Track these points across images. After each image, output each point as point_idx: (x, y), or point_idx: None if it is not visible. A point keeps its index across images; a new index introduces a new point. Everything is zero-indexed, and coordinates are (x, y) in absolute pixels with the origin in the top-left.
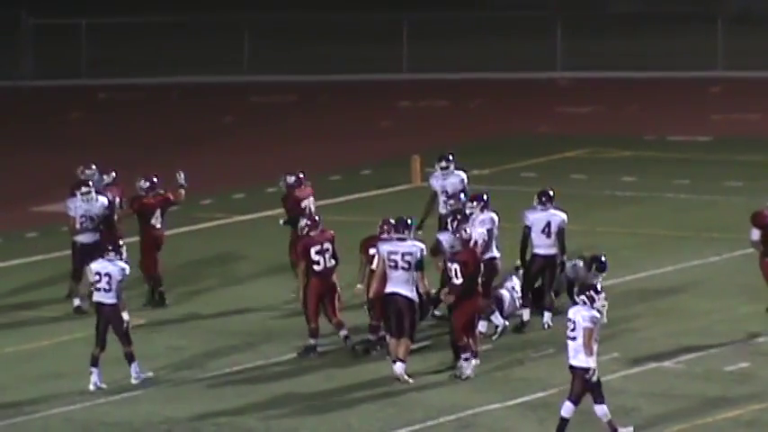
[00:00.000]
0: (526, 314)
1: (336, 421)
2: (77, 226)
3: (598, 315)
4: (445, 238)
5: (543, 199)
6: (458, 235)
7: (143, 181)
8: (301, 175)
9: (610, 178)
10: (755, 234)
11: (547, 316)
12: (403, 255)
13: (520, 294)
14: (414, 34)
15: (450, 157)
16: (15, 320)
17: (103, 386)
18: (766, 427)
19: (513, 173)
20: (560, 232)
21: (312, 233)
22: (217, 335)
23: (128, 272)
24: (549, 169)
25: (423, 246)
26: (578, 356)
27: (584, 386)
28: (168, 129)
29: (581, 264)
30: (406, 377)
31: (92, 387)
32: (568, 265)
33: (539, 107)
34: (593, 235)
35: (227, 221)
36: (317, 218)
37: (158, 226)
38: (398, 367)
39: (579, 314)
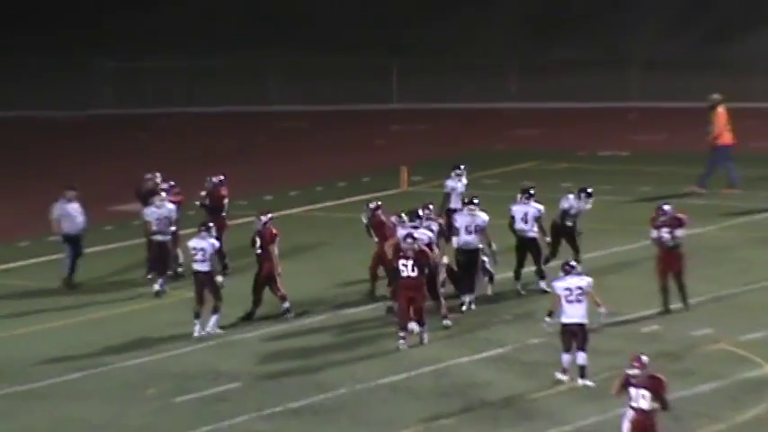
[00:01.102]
0: (489, 289)
1: (344, 370)
2: (153, 227)
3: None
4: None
5: (527, 194)
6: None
7: (214, 178)
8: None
9: (551, 184)
10: (653, 233)
11: (542, 283)
12: (417, 238)
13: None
14: (401, 74)
15: (462, 167)
16: (98, 293)
17: (203, 333)
18: (678, 376)
19: (477, 180)
20: (537, 219)
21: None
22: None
23: (216, 246)
24: (505, 177)
25: (429, 233)
26: (584, 316)
27: (586, 336)
28: (213, 146)
29: (572, 196)
30: (416, 329)
31: (195, 334)
32: (563, 199)
33: (497, 130)
34: None
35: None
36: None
37: (224, 214)
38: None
39: (584, 281)
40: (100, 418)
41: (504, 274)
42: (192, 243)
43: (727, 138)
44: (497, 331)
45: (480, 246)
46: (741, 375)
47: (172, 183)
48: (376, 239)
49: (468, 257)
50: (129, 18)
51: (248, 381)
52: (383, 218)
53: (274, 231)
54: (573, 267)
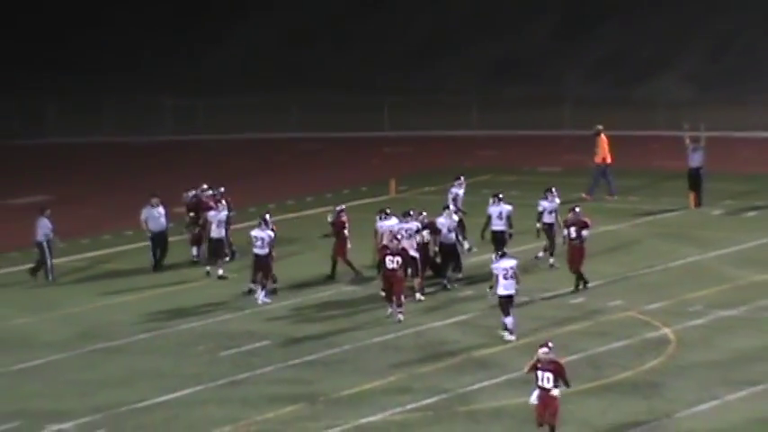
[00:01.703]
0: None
1: (347, 332)
2: (214, 227)
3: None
4: (440, 222)
5: (497, 198)
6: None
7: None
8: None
9: (503, 192)
10: (564, 231)
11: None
12: (407, 229)
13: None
14: (391, 109)
15: (462, 177)
16: (165, 274)
17: (267, 300)
18: (597, 336)
19: (447, 190)
20: (509, 216)
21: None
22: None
23: (274, 236)
24: (470, 186)
25: (419, 224)
26: (512, 288)
27: (512, 304)
28: (248, 163)
29: (544, 201)
30: (422, 298)
31: (260, 301)
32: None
33: (464, 151)
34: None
35: (284, 217)
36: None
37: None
38: (417, 296)
39: (513, 263)
40: (163, 368)
41: (469, 261)
42: (254, 233)
43: (607, 158)
44: (462, 303)
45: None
46: (644, 336)
47: (222, 189)
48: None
49: (448, 249)
50: (180, 65)
51: (275, 340)
52: (344, 219)
53: (344, 220)
54: (505, 253)
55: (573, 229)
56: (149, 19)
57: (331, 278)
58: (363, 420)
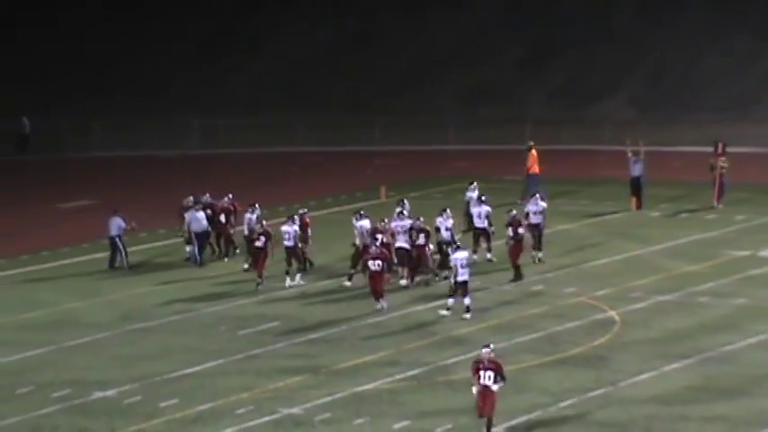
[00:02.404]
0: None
1: (343, 314)
2: (249, 229)
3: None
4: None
5: (482, 200)
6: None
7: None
8: (231, 195)
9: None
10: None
11: (489, 255)
12: (403, 227)
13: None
14: (382, 127)
15: (474, 182)
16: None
17: (292, 284)
18: (554, 318)
19: (429, 194)
20: (488, 215)
21: None
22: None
23: (297, 230)
24: (447, 192)
25: (411, 221)
26: (467, 275)
27: (468, 288)
28: (262, 174)
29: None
30: (382, 305)
31: (287, 284)
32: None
33: (443, 163)
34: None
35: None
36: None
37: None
38: (404, 282)
39: (465, 253)
40: (190, 344)
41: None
42: (283, 228)
43: (535, 169)
44: (441, 290)
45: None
46: (594, 317)
47: (230, 195)
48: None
49: (443, 247)
50: (205, 91)
51: (284, 321)
52: (308, 220)
53: (307, 221)
54: (459, 246)
55: (511, 229)
56: (179, 53)
57: (307, 268)
58: (359, 389)
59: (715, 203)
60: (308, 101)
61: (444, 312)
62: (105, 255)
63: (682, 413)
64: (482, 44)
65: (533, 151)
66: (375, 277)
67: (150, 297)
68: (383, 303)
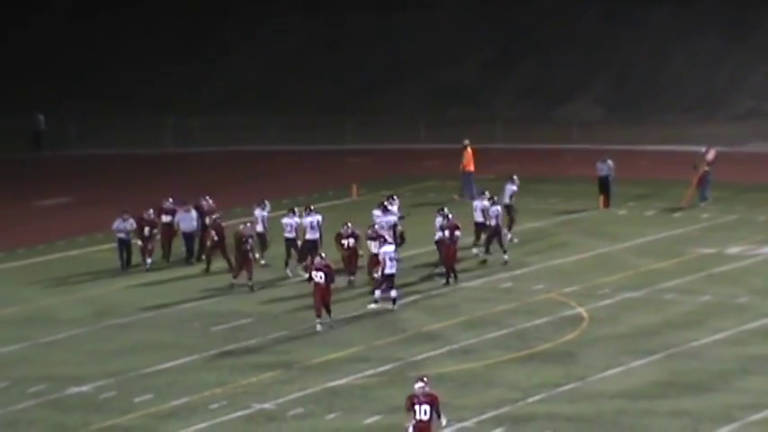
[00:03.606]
0: None
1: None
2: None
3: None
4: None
5: (486, 197)
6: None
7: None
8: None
9: (445, 194)
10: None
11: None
12: (387, 221)
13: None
14: (354, 126)
15: (487, 192)
16: (173, 267)
17: (300, 273)
18: (523, 314)
19: (402, 192)
20: (483, 210)
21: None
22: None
23: (299, 222)
24: (419, 191)
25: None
26: (394, 269)
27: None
28: (233, 172)
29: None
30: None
31: (289, 273)
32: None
33: (414, 161)
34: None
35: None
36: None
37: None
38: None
39: (392, 247)
40: (164, 340)
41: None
42: (284, 220)
43: (472, 167)
44: (412, 286)
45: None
46: (562, 314)
47: (208, 197)
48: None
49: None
50: (180, 90)
51: (257, 317)
52: (222, 224)
53: (222, 225)
54: (386, 240)
55: (447, 232)
56: (154, 54)
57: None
58: (331, 384)
59: (684, 204)
60: (280, 101)
61: (373, 306)
62: (81, 251)
63: (649, 408)
64: (450, 47)
65: (468, 149)
66: (317, 290)
67: (125, 294)
68: (319, 327)
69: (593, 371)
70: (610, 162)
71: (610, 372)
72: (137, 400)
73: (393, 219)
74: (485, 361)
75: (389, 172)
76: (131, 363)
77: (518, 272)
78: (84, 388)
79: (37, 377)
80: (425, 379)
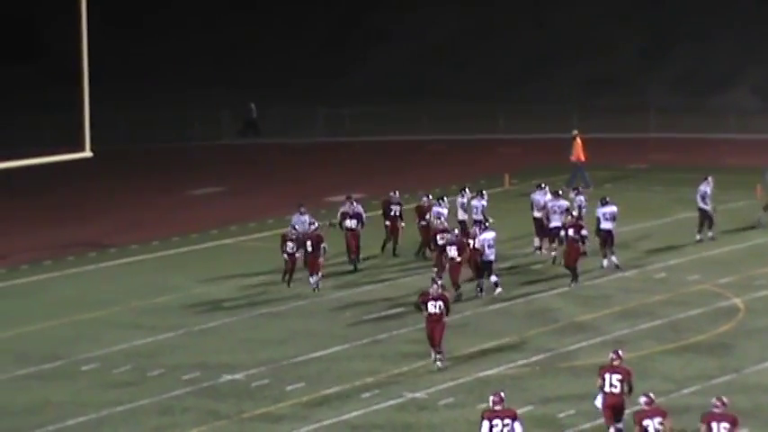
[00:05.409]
0: None
1: (467, 301)
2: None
3: None
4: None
5: (604, 199)
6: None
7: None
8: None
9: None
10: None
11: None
12: (559, 207)
13: None
14: (505, 115)
15: (709, 177)
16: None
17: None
18: (677, 305)
19: (553, 183)
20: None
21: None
22: None
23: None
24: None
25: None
26: (492, 256)
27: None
28: (385, 162)
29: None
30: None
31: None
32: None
33: (567, 150)
34: None
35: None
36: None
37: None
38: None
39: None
40: (316, 329)
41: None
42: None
43: (581, 157)
44: (564, 276)
45: None
46: (718, 305)
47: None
48: None
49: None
50: (331, 81)
51: (408, 307)
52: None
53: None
54: (487, 227)
55: (572, 230)
56: (307, 45)
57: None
58: (482, 374)
59: None
60: (431, 91)
61: (500, 290)
62: (232, 241)
63: None
64: (605, 33)
65: (578, 139)
66: (432, 322)
67: (276, 282)
68: (440, 355)
69: (748, 363)
70: None
71: (766, 364)
72: (289, 388)
73: (566, 203)
74: (638, 352)
75: (541, 161)
76: (283, 351)
77: (672, 262)
78: (237, 376)
79: (190, 365)
80: (620, 352)
